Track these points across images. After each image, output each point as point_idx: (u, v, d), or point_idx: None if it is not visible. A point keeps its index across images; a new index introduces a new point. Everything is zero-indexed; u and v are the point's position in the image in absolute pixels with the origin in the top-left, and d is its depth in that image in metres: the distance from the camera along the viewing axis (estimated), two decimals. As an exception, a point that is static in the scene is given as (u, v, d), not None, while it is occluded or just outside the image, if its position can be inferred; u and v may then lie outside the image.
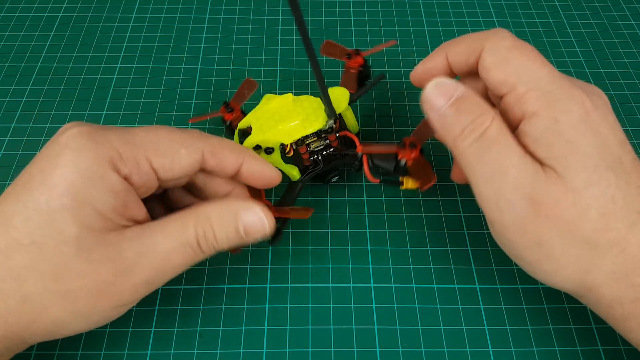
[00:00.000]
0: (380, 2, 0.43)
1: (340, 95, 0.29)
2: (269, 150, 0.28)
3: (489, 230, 0.24)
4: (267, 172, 0.25)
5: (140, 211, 0.22)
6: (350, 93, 0.30)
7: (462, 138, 0.22)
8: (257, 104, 0.29)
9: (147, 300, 0.27)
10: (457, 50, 0.24)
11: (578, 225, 0.21)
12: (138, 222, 0.22)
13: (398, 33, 0.41)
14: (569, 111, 0.21)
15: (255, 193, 0.27)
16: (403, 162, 0.27)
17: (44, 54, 0.38)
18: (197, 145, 0.23)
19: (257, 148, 0.28)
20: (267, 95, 0.29)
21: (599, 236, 0.21)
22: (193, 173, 0.24)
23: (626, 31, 0.42)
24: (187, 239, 0.22)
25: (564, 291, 0.23)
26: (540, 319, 0.27)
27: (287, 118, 0.27)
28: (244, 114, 0.31)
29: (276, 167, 0.27)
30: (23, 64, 0.38)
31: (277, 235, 0.26)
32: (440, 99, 0.22)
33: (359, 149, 0.28)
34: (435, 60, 0.25)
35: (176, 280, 0.28)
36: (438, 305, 0.28)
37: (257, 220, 0.23)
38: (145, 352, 0.26)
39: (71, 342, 0.26)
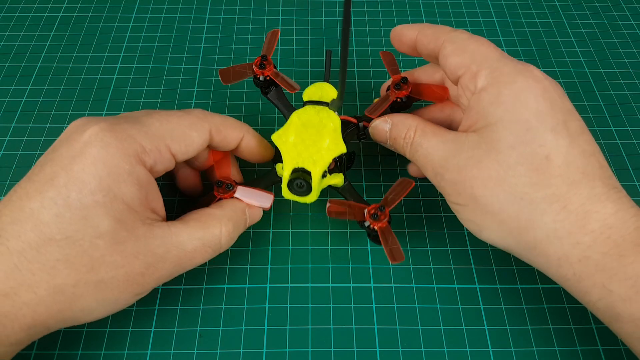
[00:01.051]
0: (380, 2, 0.43)
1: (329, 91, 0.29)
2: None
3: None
4: (263, 148, 0.29)
5: (159, 203, 0.24)
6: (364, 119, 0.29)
7: (402, 144, 0.27)
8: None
9: (147, 300, 0.27)
10: (426, 33, 0.27)
11: (507, 181, 0.22)
12: (157, 212, 0.24)
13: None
14: (512, 82, 0.23)
15: (224, 167, 0.29)
16: (367, 224, 0.26)
17: (44, 54, 0.38)
18: (205, 127, 0.26)
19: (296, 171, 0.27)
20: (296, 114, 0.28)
21: (534, 191, 0.22)
22: (202, 150, 0.26)
23: (626, 31, 0.42)
24: (210, 239, 0.24)
25: (512, 253, 0.24)
26: (540, 319, 0.27)
27: (317, 140, 0.27)
28: (276, 69, 0.30)
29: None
30: (23, 64, 0.38)
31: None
32: (382, 135, 0.28)
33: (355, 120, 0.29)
34: (409, 31, 0.28)
35: (176, 280, 0.28)
36: (438, 305, 0.28)
37: (259, 214, 0.28)
38: (145, 352, 0.26)
39: (71, 342, 0.26)
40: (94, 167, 0.21)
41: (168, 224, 0.24)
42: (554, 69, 0.39)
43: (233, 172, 0.29)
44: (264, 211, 0.29)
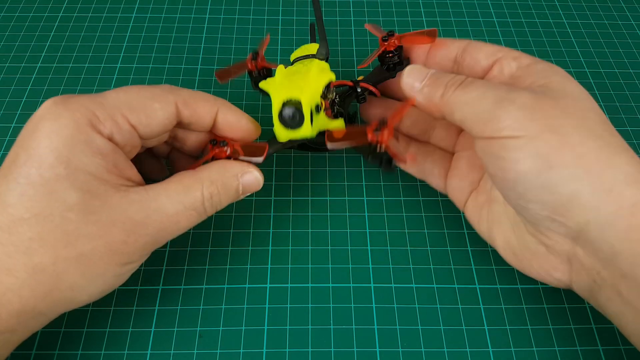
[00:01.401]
0: (380, 2, 0.43)
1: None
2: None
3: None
4: (244, 122, 0.26)
5: (132, 170, 0.23)
6: (367, 77, 0.29)
7: (447, 90, 0.24)
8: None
9: (147, 300, 0.27)
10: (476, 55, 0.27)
11: (587, 121, 0.22)
12: (131, 179, 0.23)
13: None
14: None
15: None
16: (373, 147, 0.25)
17: (44, 54, 0.38)
18: (169, 98, 0.24)
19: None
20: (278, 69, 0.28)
21: (609, 135, 0.22)
22: (170, 126, 0.25)
23: (626, 31, 0.42)
24: (192, 202, 0.23)
25: (579, 208, 0.21)
26: (540, 319, 0.27)
27: (304, 73, 0.26)
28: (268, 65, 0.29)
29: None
30: (23, 64, 0.38)
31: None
32: (417, 82, 0.25)
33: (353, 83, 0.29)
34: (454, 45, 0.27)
35: (176, 280, 0.28)
36: (438, 305, 0.28)
37: (254, 181, 0.25)
38: (145, 352, 0.26)
39: (71, 342, 0.26)
40: (49, 140, 0.20)
41: (146, 188, 0.23)
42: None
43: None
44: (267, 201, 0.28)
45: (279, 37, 0.40)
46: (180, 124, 0.26)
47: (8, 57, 0.38)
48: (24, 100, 0.36)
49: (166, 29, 0.40)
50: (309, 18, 0.42)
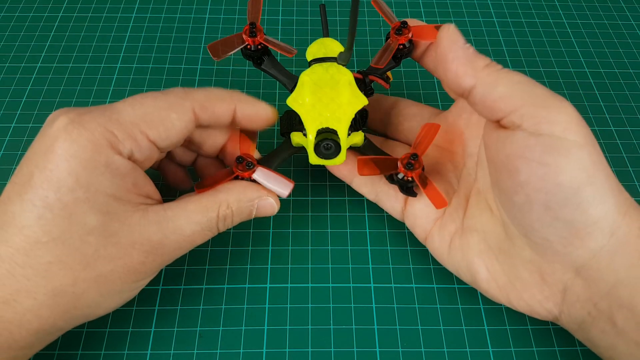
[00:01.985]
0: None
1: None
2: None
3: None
4: (262, 112, 0.26)
5: (151, 187, 0.23)
6: (374, 70, 0.27)
7: (488, 68, 0.22)
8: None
9: (147, 300, 0.27)
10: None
11: None
12: (150, 197, 0.23)
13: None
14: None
15: (246, 143, 0.27)
16: (401, 176, 0.25)
17: (43, 54, 0.38)
18: (186, 106, 0.23)
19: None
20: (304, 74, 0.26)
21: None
22: (189, 133, 0.24)
23: (626, 31, 0.42)
24: (208, 224, 0.23)
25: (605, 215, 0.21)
26: (540, 320, 0.27)
27: (336, 96, 0.25)
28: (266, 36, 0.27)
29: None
30: (23, 64, 0.38)
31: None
32: (461, 38, 0.23)
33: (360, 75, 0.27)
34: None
35: (176, 280, 0.28)
36: (438, 305, 0.28)
37: (269, 207, 0.25)
38: (145, 352, 0.26)
39: (71, 342, 0.26)
40: (67, 163, 0.20)
41: (164, 207, 0.23)
42: (554, 69, 0.39)
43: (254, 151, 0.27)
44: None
45: (279, 37, 0.40)
46: (199, 126, 0.25)
47: (8, 57, 0.38)
48: (24, 100, 0.36)
49: (166, 29, 0.40)
50: (309, 18, 0.42)
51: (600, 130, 0.35)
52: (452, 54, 0.23)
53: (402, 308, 0.28)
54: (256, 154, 0.27)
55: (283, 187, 0.26)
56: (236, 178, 0.26)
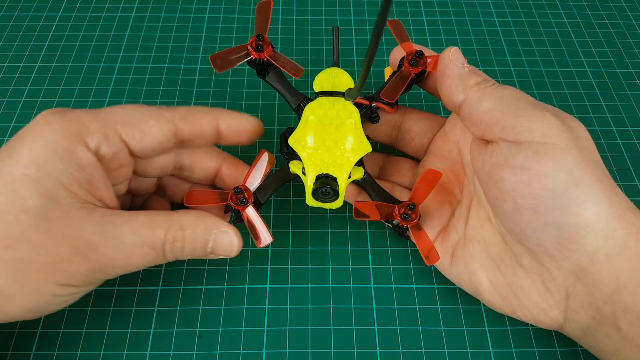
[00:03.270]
0: (380, 1, 0.43)
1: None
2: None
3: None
4: (246, 124, 0.26)
5: (108, 192, 0.22)
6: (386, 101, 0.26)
7: (478, 85, 0.23)
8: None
9: (147, 301, 0.27)
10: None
11: (594, 150, 0.22)
12: (103, 201, 0.22)
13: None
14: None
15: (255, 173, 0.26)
16: (396, 222, 0.25)
17: (42, 54, 0.38)
18: (166, 115, 0.23)
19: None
20: (308, 110, 0.26)
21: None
22: (168, 144, 0.24)
23: (627, 31, 0.42)
24: (153, 240, 0.22)
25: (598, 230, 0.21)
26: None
27: (339, 142, 0.24)
28: (274, 50, 0.27)
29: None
30: (22, 64, 0.37)
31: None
32: (461, 58, 0.24)
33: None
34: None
35: (176, 281, 0.28)
36: (439, 306, 0.28)
37: (228, 243, 0.23)
38: (144, 352, 0.26)
39: (70, 342, 0.26)
40: (32, 143, 0.20)
41: (112, 212, 0.22)
42: (555, 69, 0.39)
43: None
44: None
45: (279, 36, 0.40)
46: (182, 143, 0.25)
47: (7, 57, 0.38)
48: (22, 100, 0.35)
49: (165, 29, 0.40)
50: (309, 18, 0.41)
51: (601, 130, 0.35)
52: (448, 71, 0.24)
53: (403, 309, 0.27)
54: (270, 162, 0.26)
55: (264, 237, 0.25)
56: (228, 207, 0.25)
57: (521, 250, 0.23)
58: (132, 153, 0.23)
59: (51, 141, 0.21)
